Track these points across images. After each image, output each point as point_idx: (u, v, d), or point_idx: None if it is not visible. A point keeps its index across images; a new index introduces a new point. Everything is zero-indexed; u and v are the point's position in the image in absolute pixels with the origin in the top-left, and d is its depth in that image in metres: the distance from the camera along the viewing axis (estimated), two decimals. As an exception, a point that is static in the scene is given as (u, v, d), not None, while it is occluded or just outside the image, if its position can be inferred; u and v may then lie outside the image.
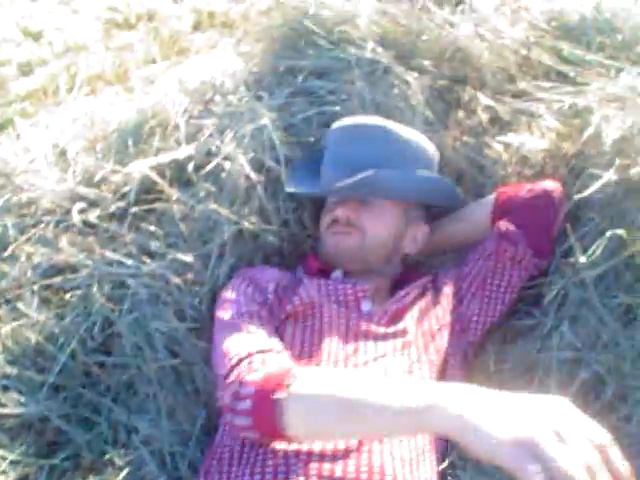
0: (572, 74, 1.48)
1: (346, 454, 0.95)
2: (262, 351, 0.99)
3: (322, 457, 0.94)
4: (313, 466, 0.93)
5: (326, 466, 0.93)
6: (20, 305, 1.24)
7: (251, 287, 1.17)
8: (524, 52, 1.54)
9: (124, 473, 1.08)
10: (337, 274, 1.26)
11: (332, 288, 1.20)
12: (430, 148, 1.32)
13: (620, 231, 1.14)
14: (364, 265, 1.26)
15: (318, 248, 1.35)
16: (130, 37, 2.69)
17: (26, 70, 2.55)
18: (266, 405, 0.87)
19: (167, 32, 2.66)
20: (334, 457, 0.95)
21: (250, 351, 0.99)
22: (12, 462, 1.08)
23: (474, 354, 1.25)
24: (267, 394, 0.88)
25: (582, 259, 1.15)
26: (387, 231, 1.28)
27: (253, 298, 1.14)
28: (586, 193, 1.18)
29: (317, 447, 0.95)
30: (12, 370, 1.17)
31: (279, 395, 0.86)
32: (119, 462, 1.10)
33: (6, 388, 1.16)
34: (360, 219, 1.25)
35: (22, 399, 1.15)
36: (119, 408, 1.18)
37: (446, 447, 1.09)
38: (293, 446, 0.95)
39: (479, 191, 1.41)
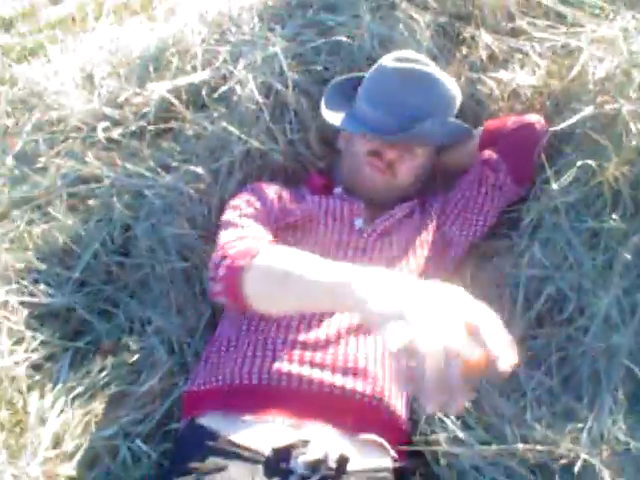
0: (569, 15, 1.55)
1: (326, 345, 1.10)
2: (242, 237, 1.14)
3: (305, 346, 1.09)
4: (296, 352, 1.09)
5: (307, 353, 1.08)
6: (50, 210, 1.39)
7: (254, 197, 1.30)
8: (526, -8, 1.61)
9: (137, 356, 1.24)
10: (339, 190, 1.39)
11: (331, 204, 1.33)
12: (459, 94, 1.40)
13: (590, 162, 1.24)
14: (376, 197, 1.38)
15: (335, 164, 1.49)
16: (158, -32, 2.77)
17: (55, -1, 2.66)
18: (234, 273, 1.01)
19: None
20: (315, 347, 1.10)
21: (236, 236, 1.14)
22: (42, 342, 1.24)
23: (454, 269, 1.38)
24: (235, 263, 1.01)
25: (555, 186, 1.26)
26: (413, 179, 1.40)
27: (254, 205, 1.27)
28: (563, 125, 1.28)
29: (301, 338, 1.10)
30: (42, 266, 1.33)
31: (241, 263, 1.00)
32: (134, 347, 1.26)
33: (36, 281, 1.32)
34: (400, 165, 1.36)
35: (50, 291, 1.31)
36: (135, 302, 1.34)
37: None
38: (281, 337, 1.10)
39: (478, 123, 1.50)
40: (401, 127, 1.31)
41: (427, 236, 1.35)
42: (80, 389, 1.18)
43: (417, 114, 1.31)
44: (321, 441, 1.00)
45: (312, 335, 1.11)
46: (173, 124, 1.47)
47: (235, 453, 0.99)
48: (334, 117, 1.41)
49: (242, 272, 0.99)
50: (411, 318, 0.67)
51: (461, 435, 1.11)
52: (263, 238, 1.16)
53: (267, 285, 0.98)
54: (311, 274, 0.88)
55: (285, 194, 1.34)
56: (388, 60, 1.37)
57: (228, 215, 1.25)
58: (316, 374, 1.07)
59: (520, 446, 1.07)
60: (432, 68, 1.36)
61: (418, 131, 1.30)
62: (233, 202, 1.30)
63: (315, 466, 0.96)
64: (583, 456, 1.06)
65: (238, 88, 1.44)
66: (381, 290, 0.76)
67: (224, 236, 1.17)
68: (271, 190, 1.34)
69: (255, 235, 1.16)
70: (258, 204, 1.28)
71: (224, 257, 1.06)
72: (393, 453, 1.09)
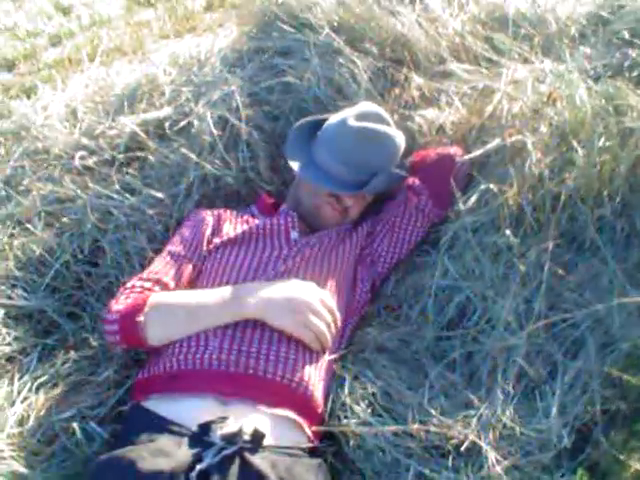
0: (495, 59, 1.76)
1: (252, 336, 1.29)
2: (141, 279, 1.40)
3: (234, 336, 1.28)
4: (226, 342, 1.27)
5: (235, 343, 1.27)
6: (29, 226, 1.59)
7: (190, 229, 1.51)
8: (458, 40, 1.82)
9: (97, 351, 1.43)
10: (284, 207, 1.59)
11: (274, 221, 1.52)
12: (403, 144, 1.57)
13: (493, 186, 1.43)
14: (325, 227, 1.56)
15: (290, 188, 1.68)
16: (149, 14, 3.04)
17: (55, 41, 2.91)
18: (130, 326, 1.29)
19: (182, 11, 2.99)
20: (242, 338, 1.28)
21: (134, 283, 1.39)
22: (16, 338, 1.44)
23: (380, 282, 1.56)
24: (129, 319, 1.29)
25: (462, 207, 1.44)
26: (359, 215, 1.61)
27: (185, 238, 1.49)
28: (471, 156, 1.47)
29: (230, 331, 1.29)
30: (20, 273, 1.53)
31: (139, 318, 1.28)
32: (94, 343, 1.44)
33: (14, 286, 1.51)
34: (354, 209, 1.57)
35: (25, 295, 1.50)
36: (100, 306, 1.53)
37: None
38: (211, 330, 1.29)
39: (408, 153, 1.69)
40: (358, 181, 1.51)
41: (355, 252, 1.54)
42: (45, 378, 1.37)
43: (372, 168, 1.51)
44: (239, 417, 1.17)
45: (240, 328, 1.29)
46: (139, 153, 1.67)
47: (167, 428, 1.17)
48: (298, 164, 1.57)
49: (140, 325, 1.29)
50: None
51: (369, 419, 1.28)
52: (163, 281, 1.40)
53: (171, 325, 1.30)
54: (205, 301, 1.31)
55: (225, 217, 1.54)
56: (351, 117, 1.51)
57: (167, 244, 1.51)
58: (242, 360, 1.25)
59: (415, 426, 1.24)
60: (385, 126, 1.52)
61: (372, 186, 1.51)
62: (179, 229, 1.54)
63: (231, 438, 1.13)
64: (471, 438, 1.22)
65: (197, 122, 1.65)
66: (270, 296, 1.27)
67: (153, 265, 1.45)
68: (209, 217, 1.53)
69: (157, 277, 1.41)
70: (191, 236, 1.50)
71: (109, 312, 1.33)
72: (309, 433, 1.26)
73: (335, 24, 1.84)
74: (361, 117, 1.52)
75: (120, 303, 1.34)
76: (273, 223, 1.50)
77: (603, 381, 1.29)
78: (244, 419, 1.17)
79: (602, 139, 1.47)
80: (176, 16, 2.95)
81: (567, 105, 1.53)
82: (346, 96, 1.73)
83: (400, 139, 1.55)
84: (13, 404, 1.30)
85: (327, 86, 1.74)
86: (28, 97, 2.36)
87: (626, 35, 1.73)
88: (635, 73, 1.65)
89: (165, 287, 1.39)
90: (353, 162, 1.51)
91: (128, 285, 1.39)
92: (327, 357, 1.35)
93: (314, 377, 1.30)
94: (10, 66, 2.73)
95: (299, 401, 1.26)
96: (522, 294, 1.42)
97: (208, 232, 1.50)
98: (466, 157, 1.49)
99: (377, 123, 1.51)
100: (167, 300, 1.33)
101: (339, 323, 1.37)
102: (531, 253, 1.43)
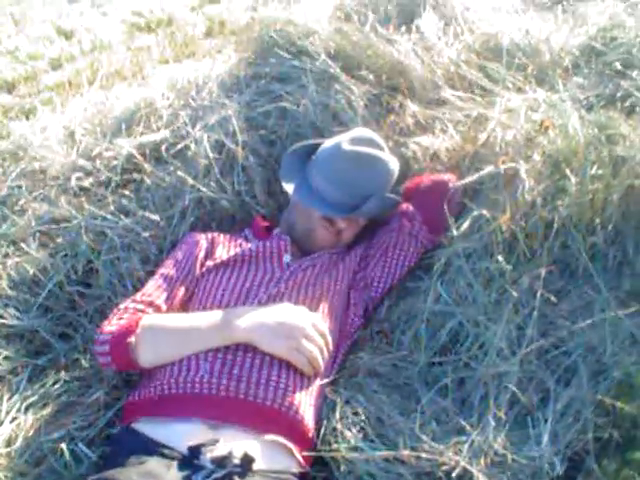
0: (489, 88, 1.78)
1: (243, 360, 1.28)
2: (134, 301, 1.40)
3: (224, 360, 1.27)
4: (216, 366, 1.26)
5: (226, 366, 1.26)
6: (23, 245, 1.60)
7: (183, 252, 1.52)
8: (453, 68, 1.85)
9: (88, 372, 1.43)
10: (278, 230, 1.60)
11: (267, 245, 1.52)
12: (397, 169, 1.58)
13: (485, 212, 1.44)
14: (318, 249, 1.57)
15: (283, 211, 1.69)
16: (149, 40, 3.08)
17: (56, 65, 2.95)
18: (121, 348, 1.29)
19: (181, 37, 3.03)
20: (234, 362, 1.28)
21: (127, 305, 1.39)
22: (6, 358, 1.43)
23: (373, 307, 1.56)
24: (120, 340, 1.30)
25: (455, 232, 1.45)
26: (353, 238, 1.62)
27: (178, 261, 1.50)
28: (464, 182, 1.48)
29: (221, 354, 1.28)
30: (12, 293, 1.53)
31: (130, 339, 1.29)
32: (85, 364, 1.44)
33: (7, 305, 1.51)
34: (347, 232, 1.58)
35: (18, 315, 1.50)
36: (92, 327, 1.53)
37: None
38: (202, 354, 1.29)
39: (402, 179, 1.70)
40: (351, 204, 1.52)
41: (348, 277, 1.54)
42: (34, 399, 1.36)
43: (365, 192, 1.51)
44: (229, 440, 1.16)
45: (231, 351, 1.29)
46: (136, 175, 1.68)
47: (156, 451, 1.16)
48: (292, 187, 1.59)
49: (131, 346, 1.29)
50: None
51: (360, 445, 1.27)
52: (155, 304, 1.41)
53: (162, 347, 1.31)
54: (195, 325, 1.31)
55: (218, 240, 1.55)
56: (345, 142, 1.53)
57: (160, 267, 1.51)
58: (232, 384, 1.24)
59: (406, 452, 1.23)
60: (379, 150, 1.54)
61: (365, 209, 1.51)
62: (173, 252, 1.54)
63: (220, 462, 1.12)
64: (462, 464, 1.22)
65: (193, 146, 1.66)
66: (260, 321, 1.29)
67: (146, 287, 1.46)
68: (202, 241, 1.54)
69: (150, 299, 1.41)
70: (184, 260, 1.50)
71: (101, 332, 1.33)
72: (299, 457, 1.25)
73: (332, 51, 1.87)
74: (355, 141, 1.53)
75: (112, 324, 1.34)
76: (266, 246, 1.51)
77: (595, 409, 1.29)
78: (234, 443, 1.16)
79: (594, 168, 1.48)
80: (175, 42, 2.99)
81: (560, 134, 1.54)
82: (342, 122, 1.75)
83: (394, 164, 1.56)
84: (1, 424, 1.30)
85: (323, 112, 1.75)
86: (27, 119, 2.39)
87: (618, 66, 1.76)
88: (627, 103, 1.67)
89: (157, 309, 1.40)
90: (346, 185, 1.52)
91: (121, 307, 1.39)
92: (319, 381, 1.34)
93: (305, 402, 1.30)
94: (10, 88, 2.76)
95: (289, 426, 1.26)
96: (514, 320, 1.42)
97: (201, 255, 1.50)
98: (459, 184, 1.50)
99: (371, 147, 1.52)
100: (159, 322, 1.33)
101: (331, 347, 1.36)
102: (523, 280, 1.43)
